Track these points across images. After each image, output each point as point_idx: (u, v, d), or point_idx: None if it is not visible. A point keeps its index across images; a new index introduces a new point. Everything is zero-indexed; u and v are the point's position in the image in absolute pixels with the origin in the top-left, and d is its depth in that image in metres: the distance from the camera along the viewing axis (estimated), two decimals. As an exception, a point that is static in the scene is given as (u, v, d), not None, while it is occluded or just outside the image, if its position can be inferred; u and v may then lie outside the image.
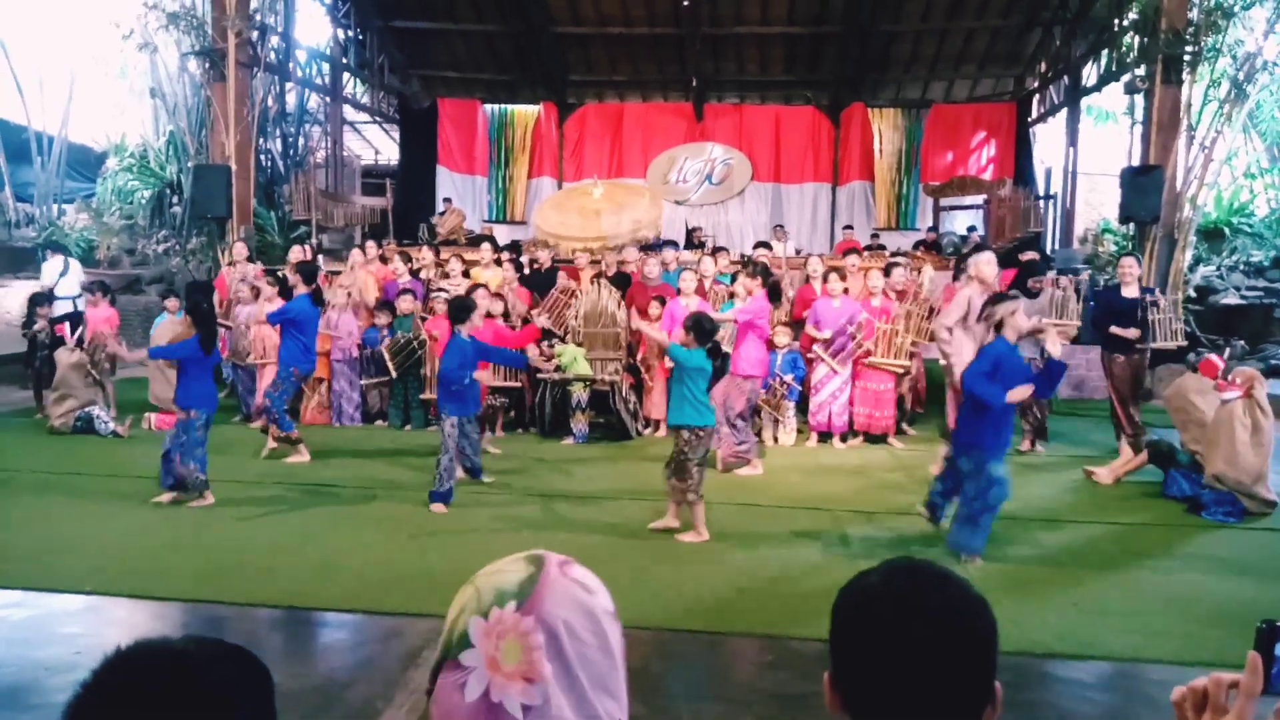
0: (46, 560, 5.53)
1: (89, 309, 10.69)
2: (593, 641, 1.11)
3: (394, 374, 9.76)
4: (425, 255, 11.33)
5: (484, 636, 1.08)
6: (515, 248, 13.56)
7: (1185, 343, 8.81)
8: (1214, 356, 7.91)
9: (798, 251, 15.16)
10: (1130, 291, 8.89)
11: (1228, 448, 6.87)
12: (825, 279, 9.46)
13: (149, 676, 0.99)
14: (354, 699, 3.95)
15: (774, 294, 8.67)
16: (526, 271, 11.16)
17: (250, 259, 11.51)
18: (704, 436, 6.21)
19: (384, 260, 11.59)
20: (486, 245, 11.86)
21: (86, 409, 9.47)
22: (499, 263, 10.94)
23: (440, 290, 10.13)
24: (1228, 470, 6.85)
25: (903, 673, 1.15)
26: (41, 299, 10.49)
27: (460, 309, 7.05)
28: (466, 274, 10.81)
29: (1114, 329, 8.77)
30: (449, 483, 6.83)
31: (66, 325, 10.39)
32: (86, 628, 4.70)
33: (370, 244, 11.93)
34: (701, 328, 6.20)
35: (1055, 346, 6.01)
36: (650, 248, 13.42)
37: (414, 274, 10.98)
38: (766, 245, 11.51)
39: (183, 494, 6.87)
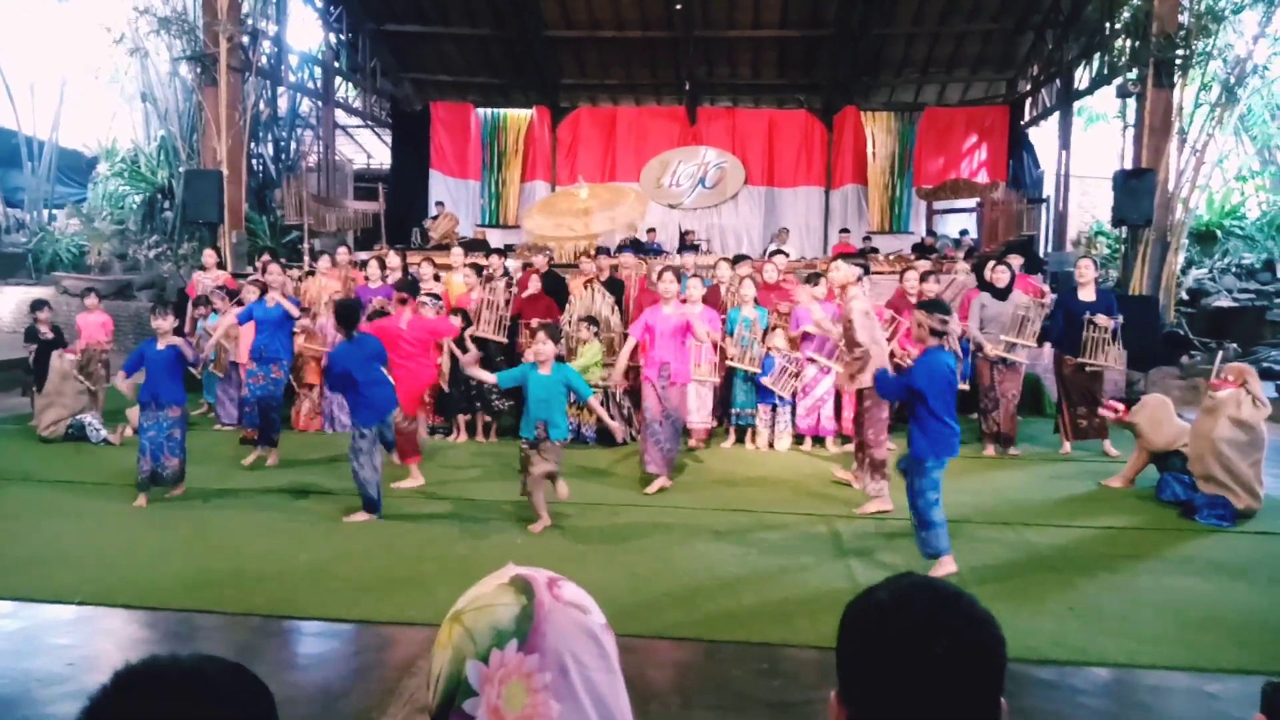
0: (37, 570, 5.50)
1: (83, 314, 10.61)
2: (598, 664, 1.09)
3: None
4: (394, 261, 11.25)
5: (486, 683, 1.05)
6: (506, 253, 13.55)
7: (1121, 367, 8.78)
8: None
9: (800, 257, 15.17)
10: (1086, 295, 8.90)
11: (1221, 426, 6.94)
12: (812, 282, 9.44)
13: (158, 693, 0.99)
14: (349, 708, 3.93)
15: None
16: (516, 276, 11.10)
17: (220, 265, 11.49)
18: None
19: (354, 265, 11.54)
20: (456, 250, 11.83)
21: (78, 417, 9.42)
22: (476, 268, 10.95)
23: (431, 295, 10.09)
24: (1216, 448, 6.91)
25: (920, 690, 1.14)
26: (40, 305, 10.39)
27: (348, 312, 6.96)
28: (437, 278, 10.80)
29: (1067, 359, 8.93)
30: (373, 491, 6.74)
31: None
32: (78, 639, 4.68)
33: (342, 250, 11.87)
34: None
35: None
36: (649, 251, 13.45)
37: (385, 280, 10.92)
38: (783, 253, 11.49)
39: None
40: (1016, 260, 9.78)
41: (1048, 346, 9.58)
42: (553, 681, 1.05)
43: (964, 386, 8.99)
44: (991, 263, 9.61)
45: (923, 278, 9.65)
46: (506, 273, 10.62)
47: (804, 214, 19.91)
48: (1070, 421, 9.05)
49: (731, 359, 9.35)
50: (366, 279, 10.92)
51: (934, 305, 5.95)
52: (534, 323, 9.92)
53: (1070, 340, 8.89)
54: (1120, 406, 7.90)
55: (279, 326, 8.75)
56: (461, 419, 9.80)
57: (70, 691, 3.98)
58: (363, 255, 12.60)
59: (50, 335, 9.98)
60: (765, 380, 9.19)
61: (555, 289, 10.50)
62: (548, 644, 1.06)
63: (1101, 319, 8.72)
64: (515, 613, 1.08)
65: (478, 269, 10.65)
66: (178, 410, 7.24)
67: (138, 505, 6.95)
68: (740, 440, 9.56)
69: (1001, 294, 9.06)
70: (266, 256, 10.53)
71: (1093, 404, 8.92)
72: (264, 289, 9.00)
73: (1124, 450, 8.85)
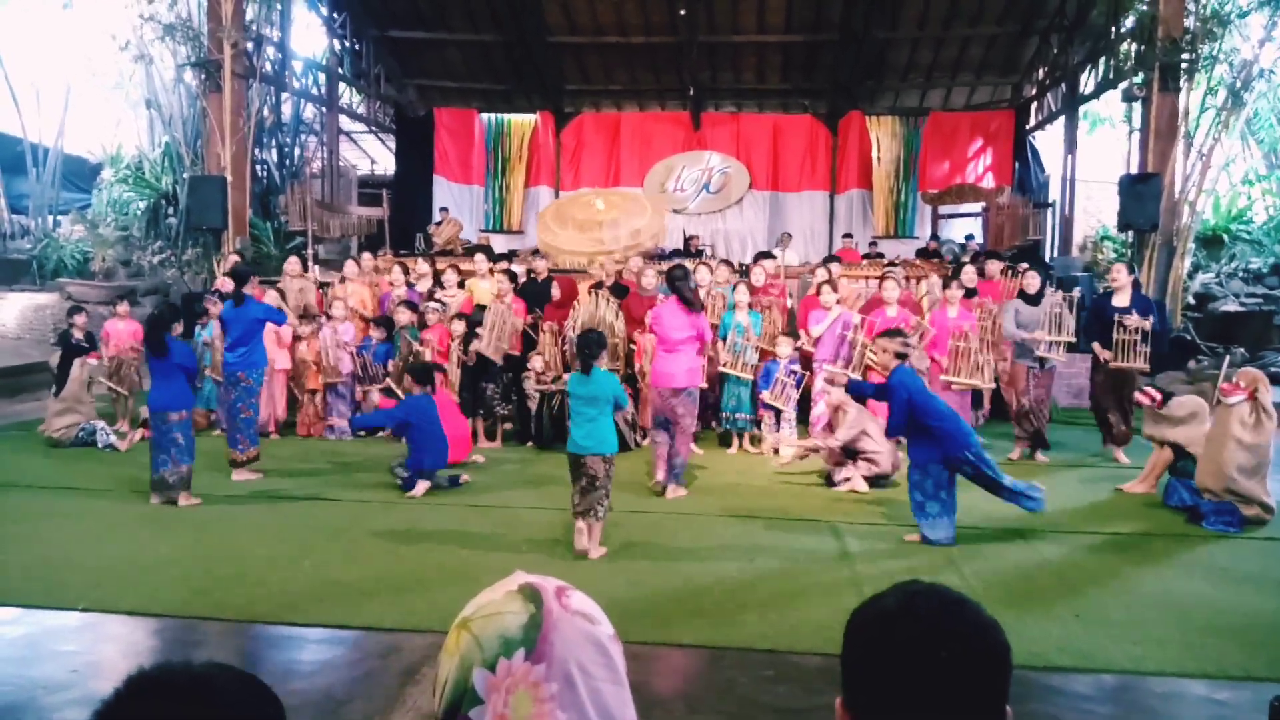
0: (42, 577, 5.49)
1: (112, 321, 10.61)
2: (604, 674, 1.09)
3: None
4: (422, 267, 11.32)
5: (493, 691, 1.04)
6: (490, 256, 13.58)
7: (1148, 367, 8.76)
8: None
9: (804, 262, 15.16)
10: (1121, 300, 8.87)
11: (1229, 449, 6.87)
12: (818, 291, 9.44)
13: (169, 698, 0.99)
14: (352, 715, 3.92)
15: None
16: (521, 281, 11.11)
17: (242, 257, 11.52)
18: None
19: (378, 271, 11.62)
20: (481, 255, 11.86)
21: (91, 422, 9.46)
22: (493, 273, 10.97)
23: (438, 301, 10.13)
24: (1224, 472, 6.85)
25: (926, 698, 1.13)
26: (77, 310, 10.38)
27: (424, 372, 8.00)
28: (462, 284, 10.81)
29: (1095, 345, 8.85)
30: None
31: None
32: (83, 645, 4.67)
33: (366, 255, 11.95)
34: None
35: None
36: (649, 255, 13.45)
37: (410, 285, 10.98)
38: (769, 255, 11.45)
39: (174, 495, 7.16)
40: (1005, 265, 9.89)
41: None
42: (559, 691, 1.05)
43: (992, 385, 9.03)
44: (970, 269, 9.67)
45: (946, 284, 9.68)
46: (514, 277, 10.63)
47: (809, 219, 19.90)
48: (1101, 423, 9.04)
49: (724, 365, 9.31)
50: (391, 284, 10.96)
51: (894, 332, 6.75)
52: (549, 325, 9.97)
53: (1102, 343, 8.87)
54: (1158, 395, 7.80)
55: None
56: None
57: (75, 698, 3.97)
58: (384, 261, 12.66)
59: (85, 342, 9.94)
60: (765, 395, 9.17)
61: (544, 295, 10.51)
62: (555, 653, 1.06)
63: (1131, 319, 8.66)
64: (523, 621, 1.08)
65: (512, 275, 10.64)
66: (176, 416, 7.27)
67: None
68: (728, 444, 9.54)
69: (1034, 300, 9.03)
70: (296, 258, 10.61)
71: (1122, 410, 8.90)
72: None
73: (1135, 459, 8.83)
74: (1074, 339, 8.94)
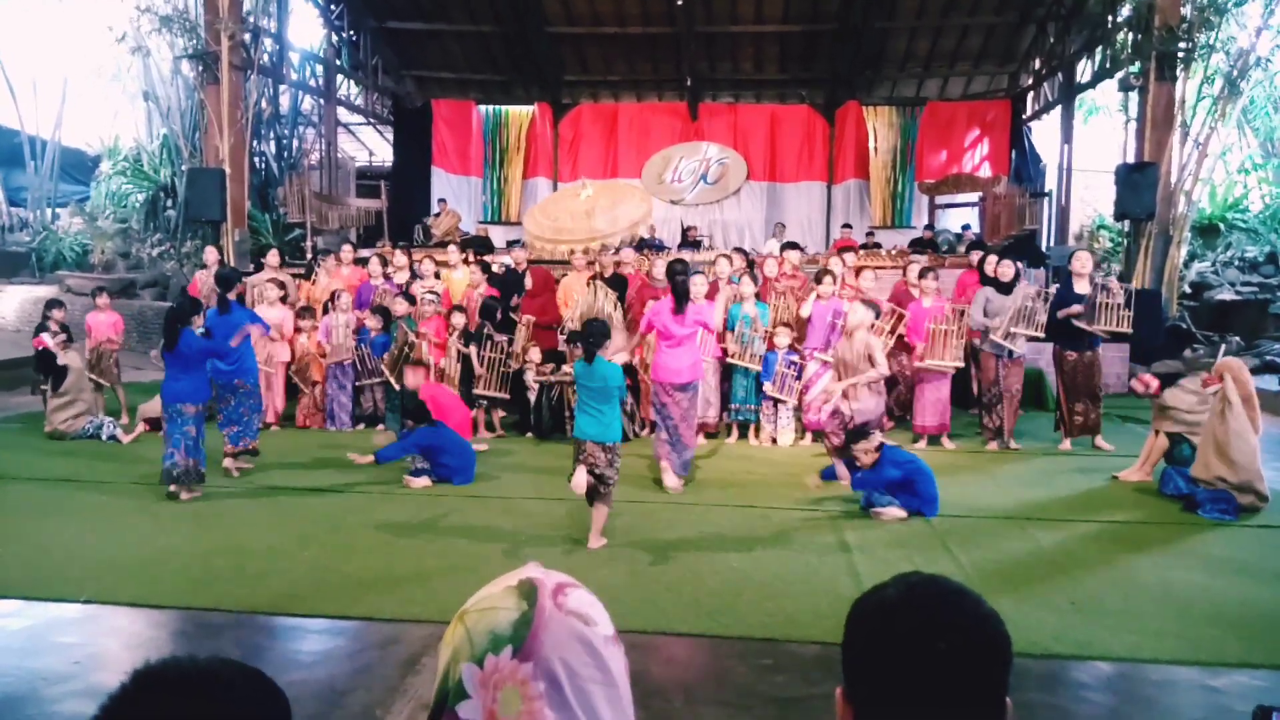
0: (43, 569, 5.51)
1: (93, 313, 10.63)
2: (595, 675, 1.08)
3: (397, 386, 9.78)
4: (399, 259, 11.32)
5: (480, 687, 1.05)
6: (488, 247, 13.60)
7: (1129, 330, 8.80)
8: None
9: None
10: (1082, 287, 8.91)
11: (1210, 440, 6.94)
12: (818, 280, 9.44)
13: (176, 693, 1.00)
14: (353, 706, 3.94)
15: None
16: (496, 271, 11.13)
17: (222, 263, 11.50)
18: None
19: (359, 263, 11.66)
20: (453, 248, 11.87)
21: (99, 416, 9.48)
22: (467, 263, 11.00)
23: (433, 293, 10.16)
24: (1210, 461, 6.91)
25: (926, 688, 1.14)
26: (55, 304, 10.37)
27: (418, 413, 7.92)
28: (438, 275, 10.86)
29: (1060, 312, 8.81)
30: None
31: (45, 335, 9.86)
32: (84, 637, 4.69)
33: (346, 248, 12.01)
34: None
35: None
36: (650, 246, 13.45)
37: (387, 277, 11.00)
38: (796, 245, 11.26)
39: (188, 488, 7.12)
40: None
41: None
42: (547, 691, 1.05)
43: (960, 366, 9.05)
44: (994, 258, 9.62)
45: (921, 274, 9.70)
46: (487, 267, 10.69)
47: (806, 209, 19.89)
48: (1068, 417, 9.03)
49: (732, 356, 9.33)
50: (369, 276, 10.98)
51: (859, 434, 7.00)
52: (526, 318, 9.99)
53: (1064, 332, 8.88)
54: (1154, 382, 7.79)
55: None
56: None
57: (76, 690, 3.99)
58: (365, 252, 12.66)
59: (61, 332, 9.90)
60: (767, 386, 9.17)
61: (518, 287, 10.54)
62: (543, 652, 1.06)
63: (1114, 283, 8.74)
64: (514, 618, 1.08)
65: (484, 266, 10.66)
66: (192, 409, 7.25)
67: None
68: (743, 435, 9.56)
69: (1006, 289, 9.04)
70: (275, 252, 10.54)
71: (1092, 399, 8.92)
72: (241, 297, 8.90)
73: (1119, 445, 8.87)
74: (1040, 334, 8.92)
